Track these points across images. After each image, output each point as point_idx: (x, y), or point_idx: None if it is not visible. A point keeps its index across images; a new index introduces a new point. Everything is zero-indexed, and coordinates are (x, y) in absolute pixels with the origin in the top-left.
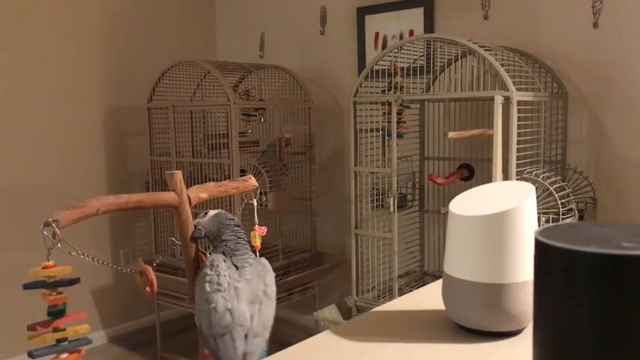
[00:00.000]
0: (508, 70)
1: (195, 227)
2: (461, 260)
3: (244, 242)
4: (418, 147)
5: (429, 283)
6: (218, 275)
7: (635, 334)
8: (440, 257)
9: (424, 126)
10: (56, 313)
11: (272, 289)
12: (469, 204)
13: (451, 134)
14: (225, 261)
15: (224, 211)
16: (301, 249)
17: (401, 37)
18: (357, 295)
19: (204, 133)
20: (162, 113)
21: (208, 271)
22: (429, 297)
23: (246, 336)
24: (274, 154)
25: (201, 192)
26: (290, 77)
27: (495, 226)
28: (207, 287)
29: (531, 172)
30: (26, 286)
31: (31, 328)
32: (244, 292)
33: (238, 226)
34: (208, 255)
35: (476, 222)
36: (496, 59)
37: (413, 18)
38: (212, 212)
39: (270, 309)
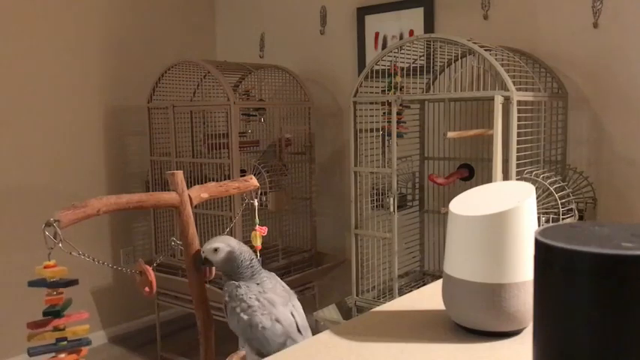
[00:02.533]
0: (508, 70)
1: (204, 258)
2: (461, 260)
3: (258, 266)
4: (418, 147)
5: (429, 283)
6: (243, 300)
7: (635, 334)
8: (440, 257)
9: (424, 126)
10: (52, 313)
11: (287, 287)
12: (469, 204)
13: (450, 134)
14: (239, 286)
15: (235, 247)
16: (301, 249)
17: (401, 37)
18: (357, 295)
19: (204, 133)
20: (162, 113)
21: (233, 304)
22: (429, 297)
23: (299, 332)
24: (274, 154)
25: (202, 192)
26: (290, 77)
27: (495, 226)
28: (244, 315)
29: (531, 172)
30: (31, 284)
31: (31, 326)
32: (276, 298)
33: (251, 258)
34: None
35: (476, 222)
36: (496, 59)
37: (413, 18)
38: (223, 251)
39: (299, 303)
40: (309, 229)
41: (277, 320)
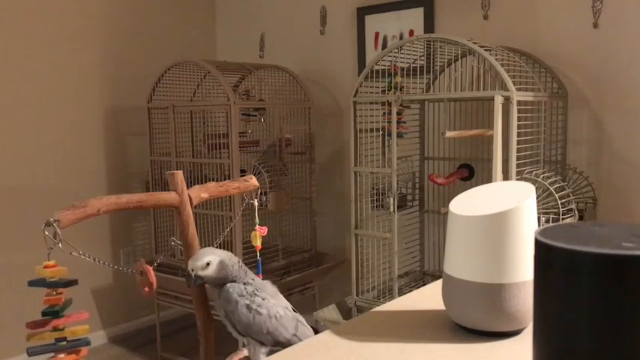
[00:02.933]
0: (508, 70)
1: (194, 275)
2: (461, 260)
3: (244, 266)
4: (418, 147)
5: (429, 283)
6: (255, 295)
7: (636, 333)
8: (440, 257)
9: (424, 126)
10: (51, 313)
11: None
12: (469, 204)
13: (449, 133)
14: (245, 284)
15: (223, 255)
16: (301, 249)
17: (401, 37)
18: (357, 295)
19: (204, 133)
20: (162, 113)
21: (246, 301)
22: (429, 297)
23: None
24: (274, 154)
25: (202, 192)
26: (290, 77)
27: (495, 226)
28: (262, 309)
29: (531, 172)
30: (31, 283)
31: (30, 325)
32: (274, 289)
33: (238, 260)
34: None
35: (476, 222)
36: (496, 59)
37: (413, 18)
38: (214, 263)
39: None
40: (309, 229)
41: (286, 307)
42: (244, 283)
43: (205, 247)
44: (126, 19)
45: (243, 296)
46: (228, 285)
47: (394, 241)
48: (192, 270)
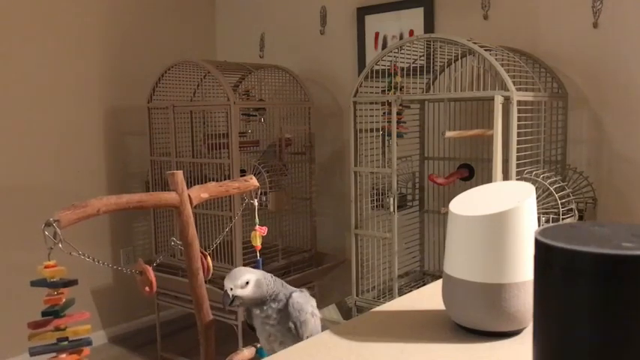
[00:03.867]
0: (508, 70)
1: (232, 295)
2: (461, 260)
3: (279, 279)
4: (418, 147)
5: (429, 283)
6: (312, 299)
7: (636, 334)
8: (440, 257)
9: (424, 126)
10: (52, 313)
11: None
12: (469, 204)
13: (449, 133)
14: (301, 292)
15: (257, 272)
16: (301, 249)
17: (401, 37)
18: (357, 295)
19: (204, 133)
20: (162, 113)
21: (311, 308)
22: (429, 297)
23: None
24: (274, 154)
25: (202, 192)
26: (290, 77)
27: (495, 226)
28: (317, 312)
29: (531, 172)
30: (33, 284)
31: (31, 325)
32: None
33: (271, 275)
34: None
35: (476, 222)
36: (496, 59)
37: (413, 18)
38: (252, 280)
39: None
40: (309, 229)
41: None
42: (301, 293)
43: (202, 247)
44: (126, 19)
45: (308, 303)
46: (294, 295)
47: (394, 241)
48: (231, 289)
